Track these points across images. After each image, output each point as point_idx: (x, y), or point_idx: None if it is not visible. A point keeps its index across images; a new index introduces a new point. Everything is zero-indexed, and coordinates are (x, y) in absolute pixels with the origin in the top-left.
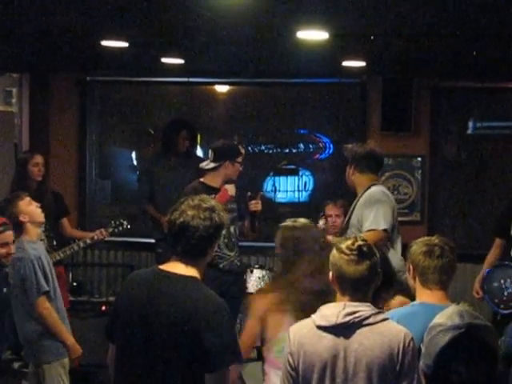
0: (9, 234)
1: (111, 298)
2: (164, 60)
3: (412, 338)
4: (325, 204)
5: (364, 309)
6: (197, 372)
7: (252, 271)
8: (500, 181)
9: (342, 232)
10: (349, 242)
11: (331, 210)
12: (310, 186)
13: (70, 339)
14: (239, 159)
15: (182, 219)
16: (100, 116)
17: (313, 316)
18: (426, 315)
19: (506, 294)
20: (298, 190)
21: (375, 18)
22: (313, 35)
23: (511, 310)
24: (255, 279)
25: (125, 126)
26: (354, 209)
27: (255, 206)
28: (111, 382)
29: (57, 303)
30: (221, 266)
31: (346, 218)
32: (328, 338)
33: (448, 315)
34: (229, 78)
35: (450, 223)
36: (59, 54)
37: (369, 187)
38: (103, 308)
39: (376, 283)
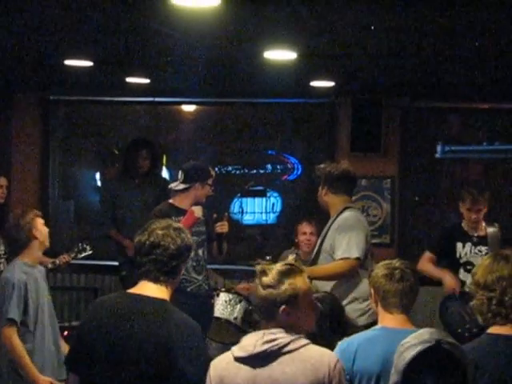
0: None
1: (74, 323)
2: (129, 79)
3: (338, 360)
4: (299, 222)
5: (283, 335)
6: None
7: (218, 294)
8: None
9: (315, 256)
10: (271, 267)
11: (306, 227)
12: (278, 208)
13: (32, 376)
14: (210, 181)
15: (152, 238)
16: (63, 136)
17: (233, 347)
18: (387, 339)
19: (467, 325)
20: (266, 212)
21: (344, 39)
22: (281, 55)
23: (473, 333)
24: (222, 303)
25: (89, 147)
26: (326, 233)
27: (221, 227)
28: None
29: (35, 335)
30: (188, 289)
31: (319, 242)
32: (246, 370)
33: (417, 334)
34: (195, 98)
35: (420, 245)
36: (22, 72)
37: (342, 210)
38: (65, 333)
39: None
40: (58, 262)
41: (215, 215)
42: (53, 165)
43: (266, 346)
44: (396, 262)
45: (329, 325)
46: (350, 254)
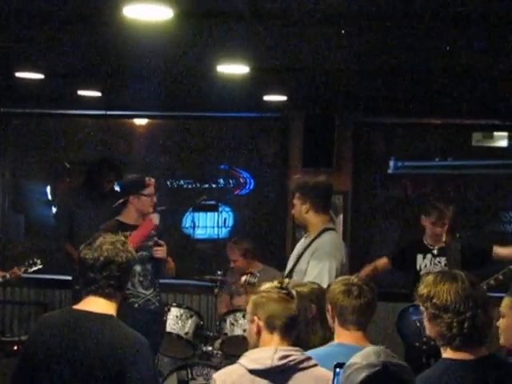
0: None
1: (23, 338)
2: (81, 93)
3: None
4: (228, 245)
5: (296, 353)
6: None
7: (169, 309)
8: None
9: (288, 274)
10: (275, 283)
11: (232, 253)
12: (230, 222)
13: None
14: (145, 191)
15: (106, 254)
16: (14, 148)
17: (239, 361)
18: (343, 356)
19: (424, 337)
20: (218, 226)
21: (297, 54)
22: (233, 69)
23: (431, 346)
24: (173, 318)
25: (40, 159)
26: (302, 253)
27: (158, 252)
28: None
29: None
30: (135, 305)
31: (293, 260)
32: (262, 382)
33: (364, 354)
34: (148, 112)
35: (372, 261)
36: None
37: (322, 231)
38: (15, 347)
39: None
40: (8, 275)
41: (155, 239)
42: (3, 178)
43: (283, 361)
44: (354, 278)
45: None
46: (320, 282)
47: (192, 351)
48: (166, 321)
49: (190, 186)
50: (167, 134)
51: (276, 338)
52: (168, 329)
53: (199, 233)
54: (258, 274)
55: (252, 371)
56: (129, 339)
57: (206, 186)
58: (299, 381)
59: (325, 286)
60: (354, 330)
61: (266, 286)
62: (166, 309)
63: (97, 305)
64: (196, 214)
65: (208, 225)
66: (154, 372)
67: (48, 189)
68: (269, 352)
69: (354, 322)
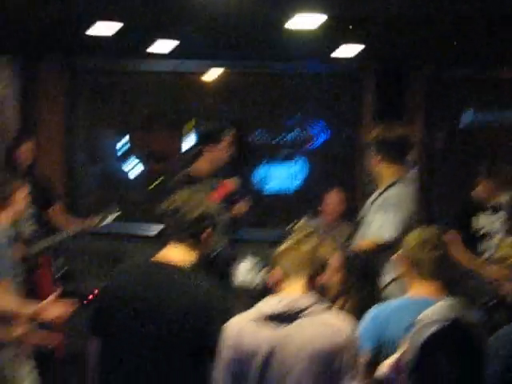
0: None
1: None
2: (154, 46)
3: (356, 330)
4: (327, 191)
5: (306, 299)
6: (198, 363)
7: (239, 263)
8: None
9: (356, 227)
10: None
11: (334, 197)
12: (302, 175)
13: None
14: (223, 142)
15: (174, 205)
16: (89, 101)
17: (253, 308)
18: (417, 308)
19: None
20: (290, 179)
21: (372, 2)
22: (307, 21)
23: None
24: (242, 271)
25: (114, 112)
26: (371, 204)
27: (238, 209)
28: (92, 377)
29: None
30: (210, 257)
31: (362, 212)
32: (266, 330)
33: (436, 309)
34: (220, 65)
35: (446, 215)
36: (49, 39)
37: (392, 183)
38: (90, 297)
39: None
40: (84, 225)
41: (237, 196)
42: (79, 130)
43: (286, 308)
44: (430, 231)
45: (356, 282)
46: (382, 235)
47: None
48: (234, 273)
49: (262, 139)
50: (240, 87)
51: (288, 283)
52: (236, 282)
53: (271, 186)
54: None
55: (259, 317)
56: (212, 290)
57: (279, 139)
58: (304, 325)
59: (386, 237)
60: (431, 282)
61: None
62: (237, 262)
63: (173, 256)
64: (268, 167)
65: (280, 178)
66: None
67: (123, 141)
68: (278, 298)
69: (430, 274)
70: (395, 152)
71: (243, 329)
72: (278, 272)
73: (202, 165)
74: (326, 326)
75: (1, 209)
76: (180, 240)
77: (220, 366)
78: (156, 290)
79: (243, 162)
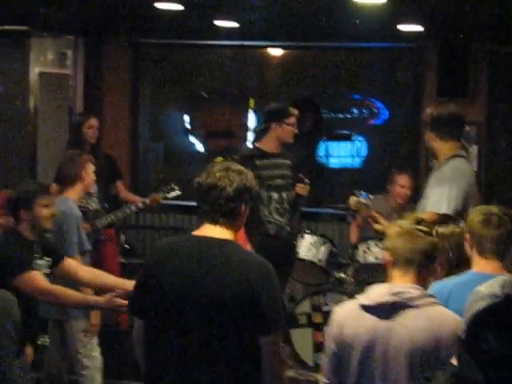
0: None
1: None
2: (217, 23)
3: (460, 327)
4: (399, 172)
5: (413, 290)
6: (251, 336)
7: (303, 236)
8: None
9: (419, 204)
10: (410, 217)
11: (405, 180)
12: (363, 152)
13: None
14: (288, 120)
15: (209, 180)
16: (153, 79)
17: (358, 296)
18: (478, 284)
19: None
20: (351, 156)
21: None
22: None
23: None
24: (306, 244)
25: (178, 89)
26: (430, 180)
27: (301, 189)
28: (139, 359)
29: None
30: (271, 231)
31: (425, 189)
32: (370, 319)
33: (490, 284)
34: (282, 42)
35: (508, 194)
36: (113, 16)
37: (449, 158)
38: None
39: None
40: (147, 201)
41: (300, 175)
42: (143, 107)
43: (393, 298)
44: (494, 208)
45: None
46: (438, 209)
47: (325, 278)
48: (297, 246)
49: (324, 116)
50: (302, 64)
51: (397, 273)
52: (301, 255)
53: (333, 162)
54: (369, 196)
55: (363, 306)
56: (258, 264)
57: (340, 115)
58: (409, 318)
59: (442, 211)
60: (492, 260)
61: (401, 220)
62: (300, 236)
63: (211, 232)
64: (330, 144)
65: (342, 154)
66: (281, 299)
67: (186, 118)
68: (383, 288)
69: (493, 251)
70: (449, 129)
71: (348, 316)
72: (386, 257)
73: (269, 142)
74: (430, 320)
75: (70, 184)
76: (214, 221)
77: (325, 356)
78: (199, 262)
79: (315, 137)
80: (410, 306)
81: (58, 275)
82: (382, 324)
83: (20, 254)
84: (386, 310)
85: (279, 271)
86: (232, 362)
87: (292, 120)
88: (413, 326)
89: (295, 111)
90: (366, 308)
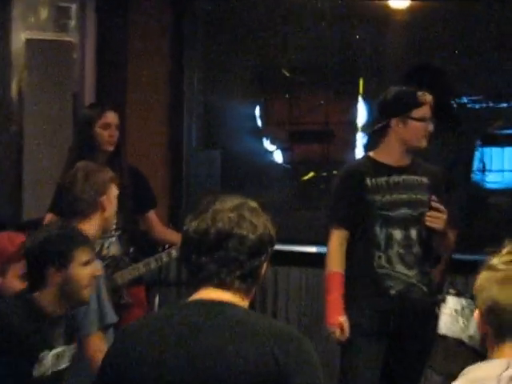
0: None
1: None
2: None
3: None
4: None
5: None
6: None
7: (444, 300)
8: None
9: None
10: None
11: None
12: None
13: None
14: (417, 113)
15: (220, 224)
16: (205, 50)
17: (458, 379)
18: None
19: None
20: None
21: None
22: None
23: None
24: (450, 313)
25: (242, 66)
26: None
27: (433, 221)
28: None
29: None
30: (391, 291)
31: None
32: None
33: None
34: None
35: None
36: None
37: None
38: None
39: None
40: None
41: (433, 197)
42: (189, 94)
43: None
44: None
45: None
46: None
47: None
48: (438, 316)
49: (477, 106)
50: (438, 22)
51: (508, 345)
52: (442, 330)
53: (492, 179)
54: None
55: None
56: (284, 334)
57: (504, 105)
58: None
59: None
60: None
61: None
62: (440, 299)
63: (219, 296)
64: (487, 150)
65: (505, 167)
66: (320, 379)
67: (257, 110)
68: (496, 368)
69: None
70: None
71: None
72: (478, 318)
73: (389, 148)
74: None
75: (80, 217)
76: (223, 286)
77: None
78: (197, 340)
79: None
80: None
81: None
82: None
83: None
84: None
85: (407, 357)
86: None
87: (423, 112)
88: None
89: (428, 97)
90: None
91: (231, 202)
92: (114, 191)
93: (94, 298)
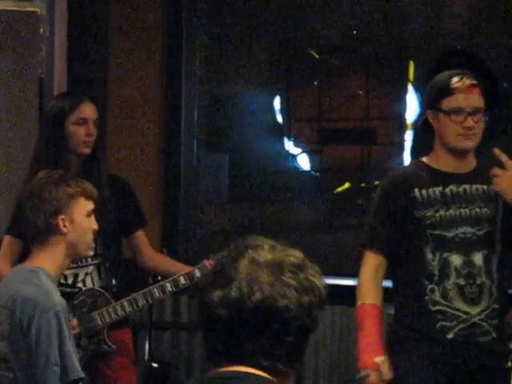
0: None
1: None
2: None
3: None
4: None
5: None
6: None
7: None
8: None
9: None
10: None
11: None
12: None
13: None
14: (448, 104)
15: (258, 295)
16: (210, 23)
17: None
18: None
19: None
20: None
21: None
22: None
23: None
24: None
25: (258, 45)
26: None
27: (498, 183)
28: None
29: None
30: (449, 335)
31: None
32: None
33: None
34: None
35: None
36: None
37: None
38: None
39: None
40: (197, 273)
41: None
42: (189, 86)
43: None
44: None
45: None
46: None
47: None
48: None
49: None
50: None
51: None
52: None
53: None
54: None
55: None
56: None
57: None
58: None
59: None
60: None
61: None
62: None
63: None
64: None
65: None
66: None
67: (276, 100)
68: None
69: None
70: None
71: None
72: None
73: (436, 149)
74: None
75: (41, 240)
76: (254, 365)
77: None
78: None
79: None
80: None
81: None
82: None
83: None
84: None
85: None
86: None
87: (456, 102)
88: None
89: (465, 82)
90: None
91: (265, 254)
92: (82, 208)
93: (54, 345)
